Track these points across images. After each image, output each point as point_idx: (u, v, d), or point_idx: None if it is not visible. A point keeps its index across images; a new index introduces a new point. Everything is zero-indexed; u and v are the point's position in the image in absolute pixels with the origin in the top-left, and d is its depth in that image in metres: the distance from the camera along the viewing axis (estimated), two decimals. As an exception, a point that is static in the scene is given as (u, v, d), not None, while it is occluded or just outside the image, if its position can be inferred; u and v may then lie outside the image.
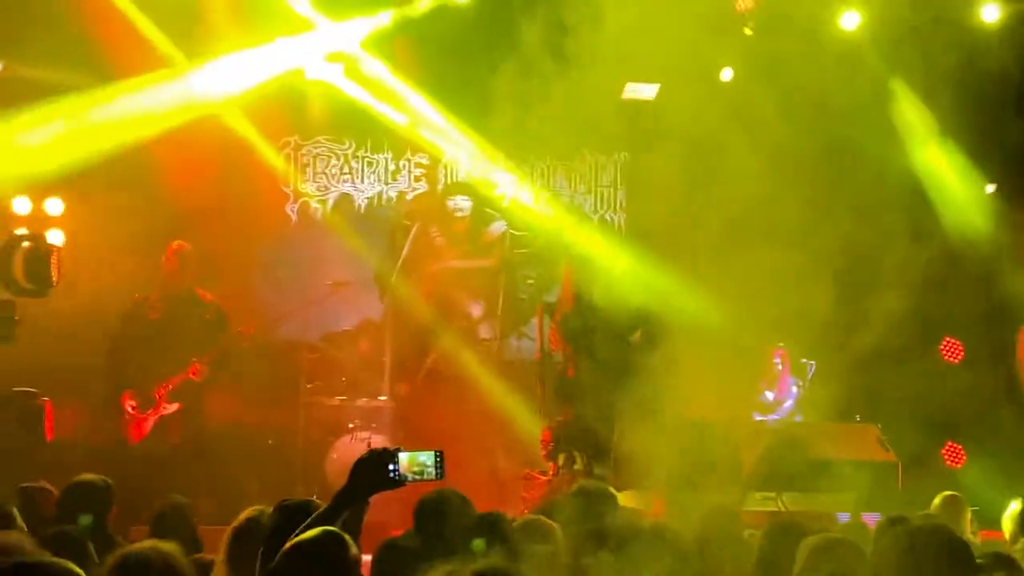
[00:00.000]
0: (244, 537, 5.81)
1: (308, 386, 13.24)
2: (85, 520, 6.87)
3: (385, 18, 13.40)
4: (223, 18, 12.77)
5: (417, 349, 13.04)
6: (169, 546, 4.78)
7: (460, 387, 12.75)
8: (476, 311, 13.70)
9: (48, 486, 7.64)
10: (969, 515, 8.77)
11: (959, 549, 5.14)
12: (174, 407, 11.47)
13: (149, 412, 11.38)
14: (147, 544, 4.92)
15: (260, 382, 13.05)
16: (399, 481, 5.07)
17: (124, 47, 12.45)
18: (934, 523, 5.61)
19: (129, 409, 11.36)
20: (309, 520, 4.93)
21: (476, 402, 12.64)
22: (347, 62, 13.59)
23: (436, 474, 5.09)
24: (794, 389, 13.00)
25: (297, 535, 4.81)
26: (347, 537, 4.78)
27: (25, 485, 7.57)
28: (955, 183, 13.90)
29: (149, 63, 12.67)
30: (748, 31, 13.54)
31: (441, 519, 6.66)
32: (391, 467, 5.05)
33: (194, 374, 11.42)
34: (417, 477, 5.07)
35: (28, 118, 11.53)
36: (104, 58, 12.35)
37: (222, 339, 11.64)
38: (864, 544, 6.02)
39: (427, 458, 5.07)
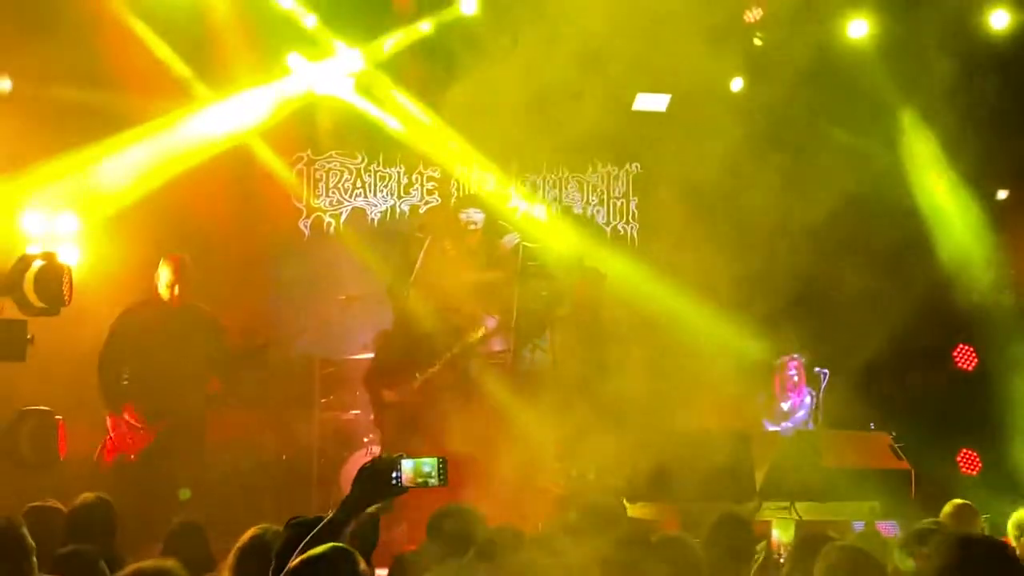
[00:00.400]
0: (249, 555, 5.83)
1: (322, 400, 13.26)
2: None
3: (395, 36, 13.48)
4: (235, 39, 12.84)
5: (412, 359, 12.88)
6: (170, 563, 4.79)
7: (463, 398, 12.67)
8: (490, 323, 13.68)
9: (58, 504, 7.65)
10: (981, 523, 8.75)
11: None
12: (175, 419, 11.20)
13: (154, 424, 11.12)
14: (149, 563, 4.94)
15: (274, 397, 13.06)
16: (402, 488, 5.09)
17: (138, 67, 12.51)
18: (989, 538, 5.55)
19: (132, 422, 11.13)
20: (316, 530, 4.93)
21: (482, 413, 12.57)
22: (358, 77, 13.65)
23: (439, 481, 5.11)
24: (808, 399, 12.98)
25: (304, 546, 4.82)
26: (355, 552, 4.78)
27: (34, 504, 7.58)
28: (955, 212, 13.88)
29: (163, 83, 12.74)
30: (757, 41, 13.58)
31: (454, 534, 6.68)
32: (394, 474, 5.07)
33: (210, 389, 11.29)
34: (420, 484, 5.09)
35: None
36: (117, 77, 12.41)
37: (220, 349, 11.44)
38: (877, 551, 6.02)
39: (430, 465, 5.09)
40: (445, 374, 12.67)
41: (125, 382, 11.21)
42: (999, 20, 13.25)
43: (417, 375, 12.63)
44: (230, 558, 5.88)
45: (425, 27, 13.52)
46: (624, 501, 9.47)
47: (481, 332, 12.79)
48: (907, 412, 12.14)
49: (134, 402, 11.09)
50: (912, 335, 13.12)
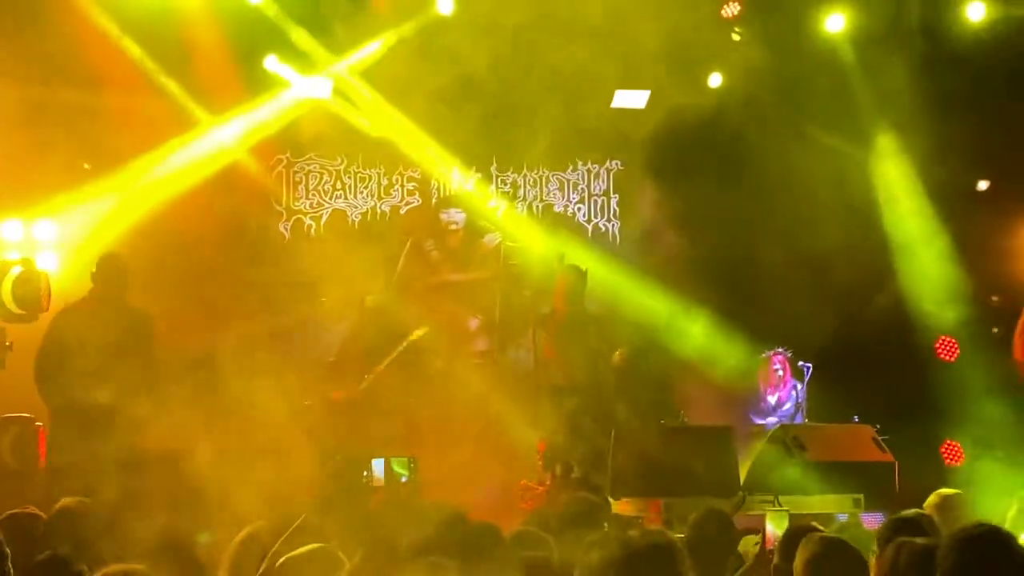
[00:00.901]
0: (244, 554, 5.83)
1: (306, 403, 13.21)
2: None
3: (374, 39, 13.47)
4: (212, 43, 12.84)
5: (364, 360, 12.66)
6: (138, 567, 4.79)
7: (412, 395, 12.36)
8: (473, 324, 13.68)
9: (37, 511, 7.57)
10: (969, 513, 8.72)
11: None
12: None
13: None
14: (117, 567, 4.93)
15: (259, 400, 13.01)
16: (372, 487, 5.12)
17: (114, 66, 12.50)
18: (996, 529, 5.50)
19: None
20: (290, 530, 4.95)
21: (438, 409, 12.34)
22: (336, 80, 13.62)
23: (410, 479, 5.15)
24: (794, 393, 13.01)
25: (282, 545, 4.84)
26: (337, 552, 4.81)
27: (12, 512, 7.49)
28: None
29: (139, 81, 12.72)
30: (736, 36, 13.60)
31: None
32: (364, 473, 5.10)
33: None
34: (391, 482, 5.12)
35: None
36: (94, 76, 12.39)
37: (153, 351, 11.04)
38: (860, 543, 6.01)
39: (400, 464, 5.13)
40: (392, 373, 12.39)
41: (62, 381, 10.71)
42: (975, 13, 13.29)
43: (365, 376, 12.37)
44: (227, 557, 5.90)
45: (403, 29, 13.49)
46: (608, 497, 9.46)
47: (424, 330, 12.64)
48: (890, 404, 12.12)
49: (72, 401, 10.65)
50: (895, 328, 13.19)
